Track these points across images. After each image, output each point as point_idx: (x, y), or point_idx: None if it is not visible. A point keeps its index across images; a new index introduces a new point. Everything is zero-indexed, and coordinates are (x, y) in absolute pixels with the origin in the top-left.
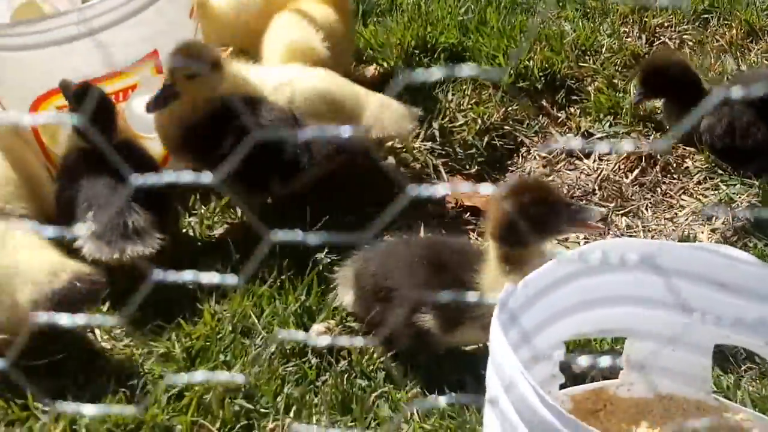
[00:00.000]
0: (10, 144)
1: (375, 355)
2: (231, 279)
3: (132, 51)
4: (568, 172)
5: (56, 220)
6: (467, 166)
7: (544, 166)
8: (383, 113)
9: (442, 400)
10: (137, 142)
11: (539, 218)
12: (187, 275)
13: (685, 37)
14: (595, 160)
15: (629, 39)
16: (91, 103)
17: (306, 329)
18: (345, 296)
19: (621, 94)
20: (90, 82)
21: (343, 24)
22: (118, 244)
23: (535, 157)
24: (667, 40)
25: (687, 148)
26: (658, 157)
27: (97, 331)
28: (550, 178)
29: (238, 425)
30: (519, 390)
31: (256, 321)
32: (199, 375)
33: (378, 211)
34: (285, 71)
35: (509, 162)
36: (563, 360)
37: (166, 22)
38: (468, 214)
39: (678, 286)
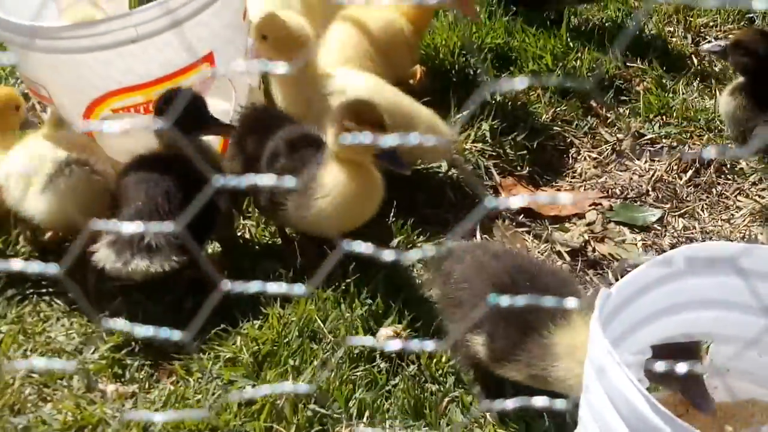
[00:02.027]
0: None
1: (444, 359)
2: (298, 289)
3: (188, 53)
4: (619, 173)
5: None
6: (518, 168)
7: (595, 167)
8: (431, 129)
9: (510, 404)
10: (206, 146)
11: None
12: (255, 286)
13: (730, 36)
14: (646, 161)
15: (675, 39)
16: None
17: (373, 333)
18: (429, 287)
19: (670, 94)
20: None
21: (409, 34)
22: (126, 257)
23: (585, 158)
24: (712, 39)
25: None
26: (712, 157)
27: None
28: (602, 179)
29: (312, 431)
30: (616, 386)
31: (322, 325)
32: (265, 389)
33: (434, 213)
34: (340, 78)
35: (559, 163)
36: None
37: (222, 25)
38: (522, 215)
39: (762, 289)
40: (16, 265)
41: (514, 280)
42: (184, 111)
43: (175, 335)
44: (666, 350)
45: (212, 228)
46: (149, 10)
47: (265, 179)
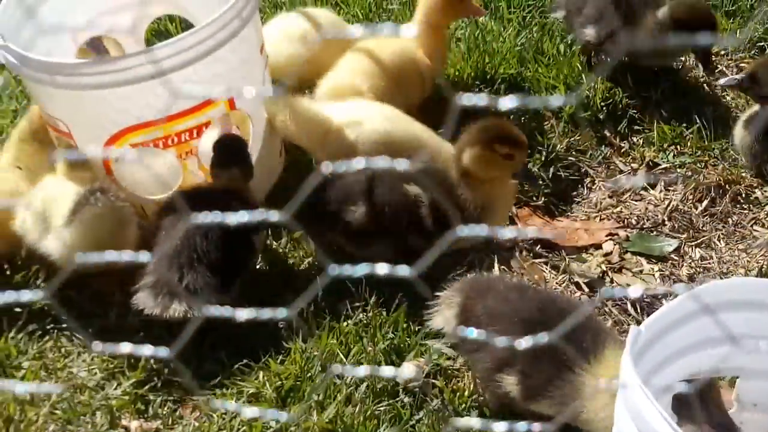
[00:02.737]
0: None
1: (467, 394)
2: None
3: (206, 88)
4: (634, 203)
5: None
6: (534, 198)
7: (610, 197)
8: (437, 158)
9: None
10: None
11: None
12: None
13: (742, 65)
14: (661, 191)
15: (686, 67)
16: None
17: (396, 367)
18: (443, 322)
19: (684, 124)
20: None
21: (422, 64)
22: (165, 302)
23: (600, 188)
24: (724, 68)
25: (755, 178)
26: (727, 187)
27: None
28: (618, 209)
29: None
30: (649, 423)
31: (345, 359)
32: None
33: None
34: (352, 109)
35: (574, 193)
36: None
37: (239, 60)
38: (539, 246)
39: None
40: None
41: (544, 317)
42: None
43: (161, 352)
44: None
45: (247, 267)
46: (168, 47)
47: None
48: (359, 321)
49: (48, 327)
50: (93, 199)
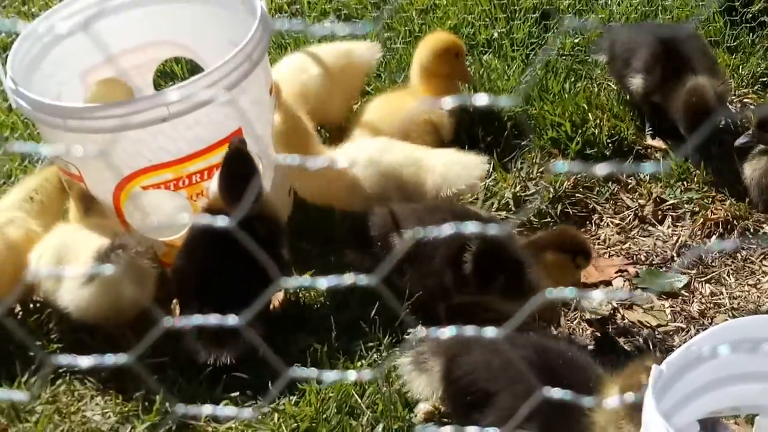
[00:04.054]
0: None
1: None
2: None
3: (217, 129)
4: (643, 239)
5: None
6: None
7: (618, 233)
8: (449, 170)
9: None
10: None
11: None
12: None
13: (746, 100)
14: (669, 226)
15: None
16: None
17: (411, 409)
18: (428, 386)
19: (690, 160)
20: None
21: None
22: (211, 349)
23: (608, 224)
24: (728, 104)
25: (764, 213)
26: (735, 222)
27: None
28: (626, 245)
29: None
30: None
31: (360, 400)
32: None
33: None
34: (351, 149)
35: (583, 229)
36: None
37: (249, 100)
38: None
39: None
40: None
41: (546, 365)
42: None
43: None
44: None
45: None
46: (180, 90)
47: None
48: (373, 361)
49: (61, 371)
50: (113, 256)
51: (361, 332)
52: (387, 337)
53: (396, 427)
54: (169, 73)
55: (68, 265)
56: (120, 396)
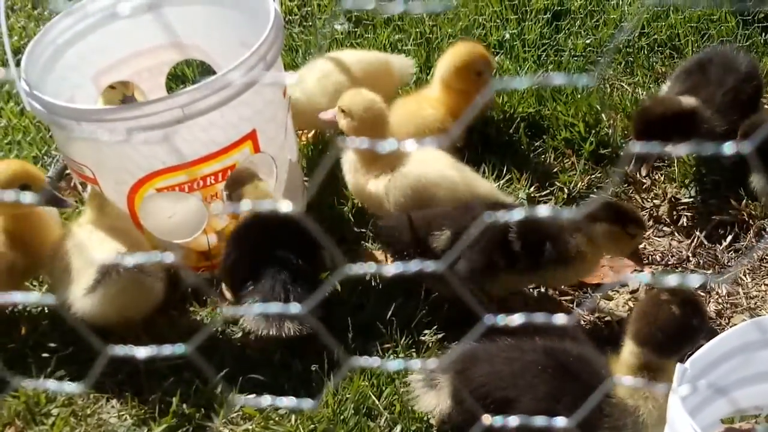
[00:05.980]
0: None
1: None
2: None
3: (231, 132)
4: (658, 239)
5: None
6: None
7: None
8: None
9: None
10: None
11: (696, 330)
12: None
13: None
14: (684, 226)
15: None
16: None
17: None
18: (436, 402)
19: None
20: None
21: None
22: (277, 324)
23: None
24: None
25: None
26: (751, 222)
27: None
28: (642, 245)
29: None
30: None
31: (377, 401)
32: None
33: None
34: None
35: None
36: None
37: (264, 102)
38: (557, 292)
39: None
40: None
41: (558, 365)
42: None
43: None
44: None
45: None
46: (194, 92)
47: None
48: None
49: (76, 373)
50: (114, 273)
51: (377, 333)
52: (404, 338)
53: (414, 428)
54: (180, 76)
55: (79, 269)
56: (136, 398)
